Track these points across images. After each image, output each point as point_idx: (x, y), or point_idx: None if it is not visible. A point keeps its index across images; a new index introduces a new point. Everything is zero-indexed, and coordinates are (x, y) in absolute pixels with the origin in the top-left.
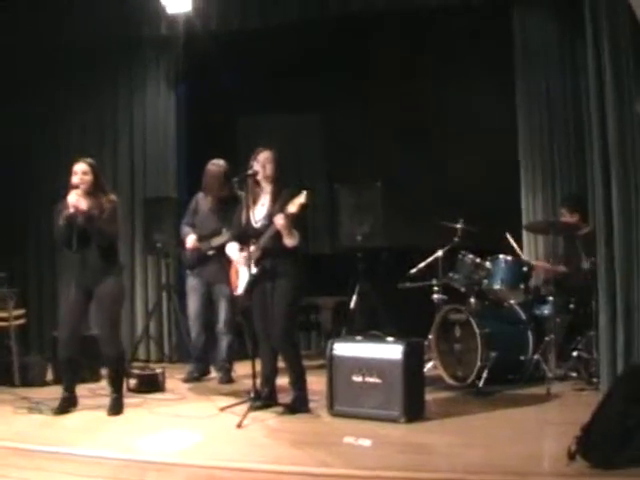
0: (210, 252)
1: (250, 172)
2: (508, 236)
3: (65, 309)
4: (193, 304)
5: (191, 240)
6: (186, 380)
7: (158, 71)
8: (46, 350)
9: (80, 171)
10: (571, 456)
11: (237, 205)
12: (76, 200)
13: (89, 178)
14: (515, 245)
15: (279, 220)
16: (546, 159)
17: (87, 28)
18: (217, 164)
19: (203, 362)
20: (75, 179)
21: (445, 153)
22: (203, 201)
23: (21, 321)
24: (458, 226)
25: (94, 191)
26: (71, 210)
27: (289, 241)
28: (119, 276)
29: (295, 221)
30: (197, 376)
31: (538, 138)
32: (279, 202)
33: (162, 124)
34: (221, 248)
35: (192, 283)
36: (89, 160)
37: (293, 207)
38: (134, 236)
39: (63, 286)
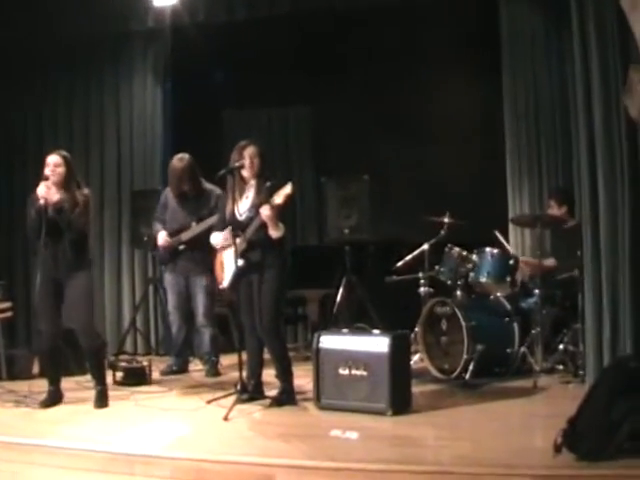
0: (181, 247)
1: (237, 165)
2: (497, 234)
3: (40, 303)
4: (171, 299)
5: (162, 237)
6: (164, 373)
7: (145, 64)
8: (32, 343)
9: (52, 163)
10: (557, 448)
11: (203, 198)
12: (45, 192)
13: (61, 170)
14: (505, 242)
15: (265, 211)
16: (532, 151)
17: (75, 21)
18: (180, 159)
19: (183, 356)
20: (47, 171)
21: (431, 146)
22: (170, 196)
23: (7, 314)
24: (444, 219)
25: (67, 184)
26: (41, 202)
27: (274, 233)
28: (89, 270)
29: (281, 212)
30: (175, 370)
31: (524, 129)
32: (264, 193)
33: (149, 117)
34: (192, 241)
35: (168, 279)
36: (62, 152)
37: (279, 198)
38: (121, 229)
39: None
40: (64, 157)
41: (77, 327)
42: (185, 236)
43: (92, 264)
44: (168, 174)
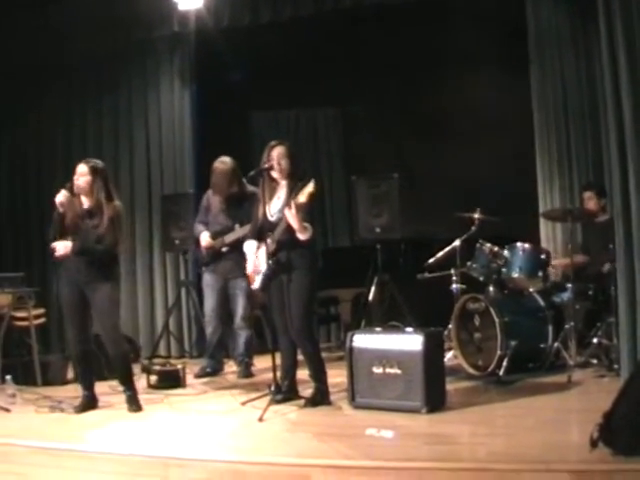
0: (224, 249)
1: (266, 167)
2: None
3: (66, 309)
4: (209, 300)
5: (205, 238)
6: (198, 375)
7: (171, 68)
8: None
9: (78, 172)
10: (593, 443)
11: (247, 201)
12: (60, 200)
13: (86, 179)
14: None
15: (288, 211)
16: (562, 146)
17: (101, 28)
18: (224, 162)
19: (217, 358)
20: (74, 180)
21: (461, 142)
22: (213, 199)
23: (41, 320)
24: (475, 215)
25: (95, 193)
26: (60, 209)
27: (301, 235)
28: (114, 281)
29: (306, 212)
30: (210, 372)
31: (554, 125)
32: (292, 194)
33: (177, 121)
34: (235, 244)
35: (207, 279)
36: (92, 162)
37: (303, 197)
38: (152, 233)
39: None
40: (91, 167)
41: (102, 334)
42: (228, 238)
43: (118, 276)
44: (212, 177)
